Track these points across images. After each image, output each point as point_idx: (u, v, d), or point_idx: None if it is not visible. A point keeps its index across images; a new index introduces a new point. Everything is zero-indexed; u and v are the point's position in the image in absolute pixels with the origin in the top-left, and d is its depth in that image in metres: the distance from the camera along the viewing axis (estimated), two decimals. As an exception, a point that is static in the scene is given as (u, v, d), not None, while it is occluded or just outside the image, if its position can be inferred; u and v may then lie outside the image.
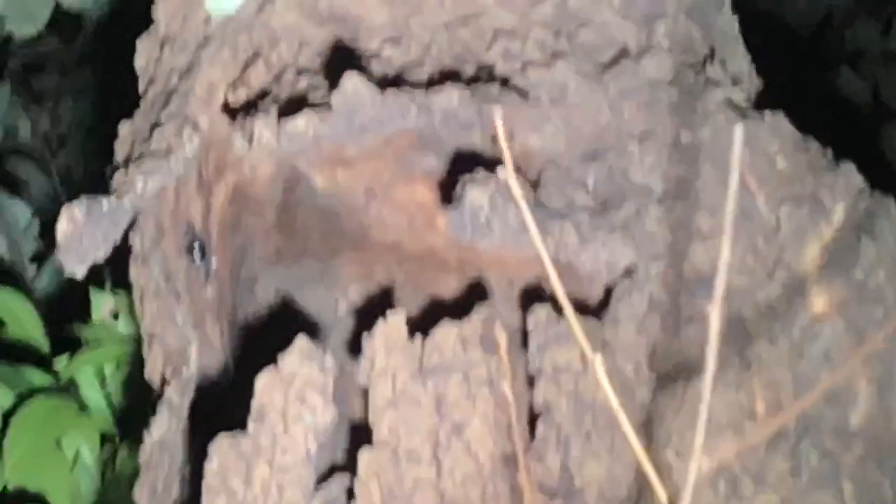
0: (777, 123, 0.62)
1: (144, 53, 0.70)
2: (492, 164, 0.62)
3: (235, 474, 0.56)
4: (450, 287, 0.65)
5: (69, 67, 2.16)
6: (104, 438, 1.12)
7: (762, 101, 0.64)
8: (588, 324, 0.56)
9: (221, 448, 0.55)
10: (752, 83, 0.68)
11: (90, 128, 1.99)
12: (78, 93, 2.14)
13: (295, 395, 0.57)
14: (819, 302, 0.58)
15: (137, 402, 0.99)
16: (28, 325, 1.16)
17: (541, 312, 0.57)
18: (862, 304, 0.59)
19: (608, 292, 0.59)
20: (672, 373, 0.58)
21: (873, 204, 0.59)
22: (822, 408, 0.57)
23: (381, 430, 0.56)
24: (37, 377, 1.11)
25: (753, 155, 0.61)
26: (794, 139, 0.62)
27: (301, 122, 0.59)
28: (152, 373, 0.66)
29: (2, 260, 1.69)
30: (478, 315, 0.57)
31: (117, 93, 0.75)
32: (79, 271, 0.61)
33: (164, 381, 0.65)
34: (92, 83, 2.10)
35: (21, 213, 1.70)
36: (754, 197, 0.60)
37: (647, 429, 0.56)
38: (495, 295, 0.62)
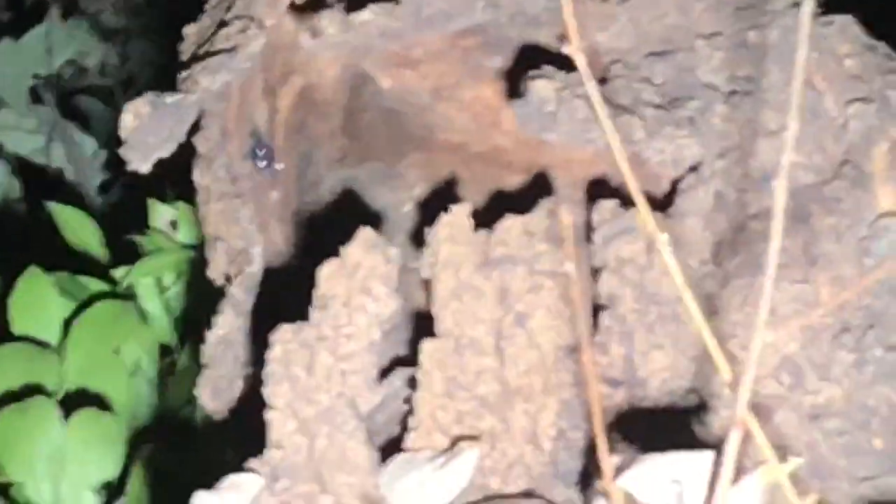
0: (845, 26, 0.63)
1: None
2: (560, 62, 0.63)
3: (298, 362, 0.57)
4: (515, 186, 0.65)
5: (139, 6, 2.29)
6: (162, 346, 1.16)
7: (830, 6, 0.64)
8: (654, 216, 0.57)
9: (284, 337, 0.57)
10: None
11: (158, 66, 2.06)
12: (147, 32, 2.24)
13: (358, 285, 0.58)
14: (886, 200, 0.59)
15: (195, 312, 1.02)
16: (88, 237, 1.21)
17: (606, 206, 0.58)
18: None
19: (674, 188, 0.60)
20: (737, 268, 0.58)
21: None
22: (889, 302, 0.57)
23: (444, 321, 0.57)
24: (96, 286, 1.14)
25: (822, 55, 0.62)
26: (863, 41, 0.63)
27: (367, 14, 0.61)
28: (215, 273, 0.68)
29: (70, 185, 1.85)
30: (542, 208, 0.58)
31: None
32: (143, 167, 0.63)
33: (227, 280, 0.67)
34: (161, 23, 2.21)
35: (89, 145, 1.85)
36: (822, 95, 0.60)
37: (712, 323, 0.57)
38: (560, 194, 0.63)
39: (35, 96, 1.99)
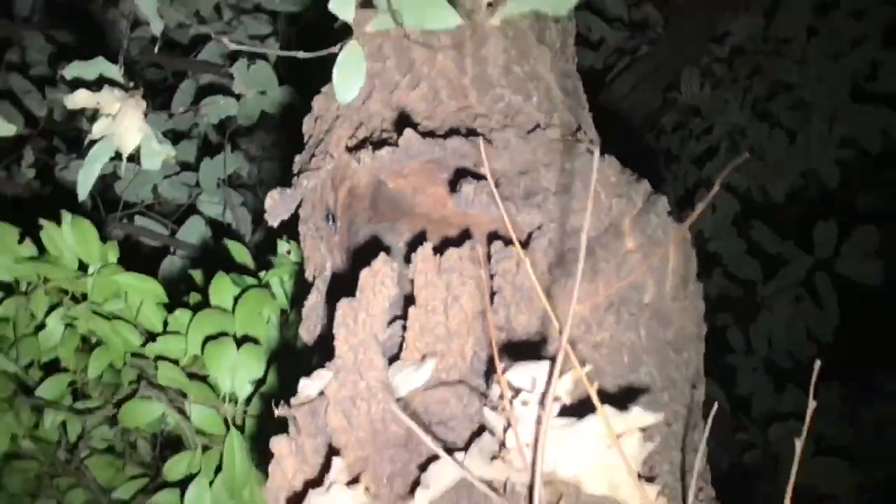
0: (611, 160, 1.12)
1: (307, 123, 1.26)
2: (476, 175, 1.11)
3: (349, 317, 1.02)
4: (454, 235, 1.12)
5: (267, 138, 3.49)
6: (283, 311, 1.84)
7: (602, 149, 1.14)
8: (520, 249, 1.04)
9: (342, 304, 1.03)
10: (597, 141, 1.19)
11: (280, 172, 3.14)
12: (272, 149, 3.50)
13: (378, 280, 1.04)
14: (629, 243, 1.07)
15: (300, 294, 1.72)
16: (245, 258, 1.96)
17: (498, 244, 1.06)
18: (650, 246, 1.07)
19: (530, 236, 1.07)
20: (562, 276, 1.05)
21: (655, 198, 1.09)
22: (631, 293, 1.05)
23: (419, 299, 1.03)
24: (250, 281, 1.85)
25: (599, 174, 1.10)
26: (619, 167, 1.12)
27: (383, 152, 1.09)
28: (308, 275, 1.17)
29: (235, 231, 3.18)
30: (468, 245, 1.05)
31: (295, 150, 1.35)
32: (275, 223, 1.13)
33: (314, 279, 1.15)
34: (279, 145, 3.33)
35: (245, 213, 3.22)
36: (599, 193, 1.08)
37: (550, 302, 1.04)
38: (476, 238, 1.10)
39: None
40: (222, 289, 1.81)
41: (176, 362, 1.77)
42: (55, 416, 1.93)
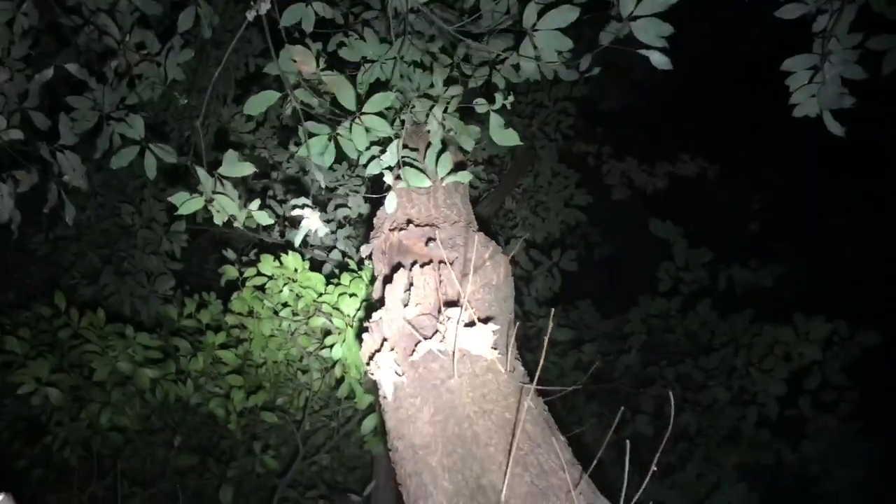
0: (480, 235, 2.83)
1: (376, 218, 3.01)
2: (433, 239, 2.84)
3: (390, 290, 2.75)
4: (426, 261, 2.82)
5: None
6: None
7: (479, 229, 2.86)
8: (448, 267, 2.76)
9: (388, 286, 2.76)
10: (475, 227, 2.93)
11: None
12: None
13: (399, 277, 2.77)
14: (489, 265, 2.79)
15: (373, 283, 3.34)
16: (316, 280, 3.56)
17: (443, 265, 2.78)
18: (494, 266, 2.80)
19: (453, 262, 2.79)
20: (467, 276, 2.78)
21: (496, 248, 2.80)
22: (489, 281, 2.78)
23: (416, 283, 2.76)
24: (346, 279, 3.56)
25: (479, 238, 2.83)
26: (484, 238, 2.82)
27: (403, 232, 2.84)
28: (377, 274, 2.93)
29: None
30: (432, 265, 2.77)
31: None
32: (366, 255, 2.90)
33: (377, 277, 2.91)
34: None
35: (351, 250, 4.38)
36: (478, 247, 2.81)
37: (464, 285, 2.78)
38: (434, 262, 2.82)
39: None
40: (348, 280, 3.70)
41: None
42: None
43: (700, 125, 7.16)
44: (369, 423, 4.04)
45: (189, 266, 5.87)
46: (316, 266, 4.92)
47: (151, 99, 3.44)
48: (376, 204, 3.11)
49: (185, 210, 2.83)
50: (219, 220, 2.91)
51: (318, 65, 3.08)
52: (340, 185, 5.84)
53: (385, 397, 2.27)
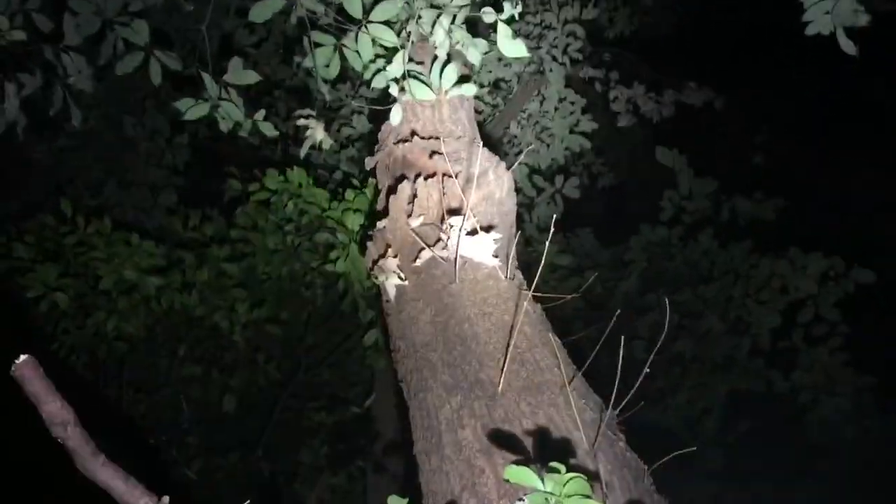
0: (482, 149, 2.85)
1: (382, 132, 3.01)
2: (438, 152, 2.87)
3: (395, 200, 2.80)
4: (431, 173, 2.86)
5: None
6: None
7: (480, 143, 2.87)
8: (453, 178, 2.80)
9: (392, 197, 2.80)
10: (479, 141, 2.94)
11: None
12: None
13: (402, 187, 2.81)
14: (491, 176, 2.82)
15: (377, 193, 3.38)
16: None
17: (447, 177, 2.81)
18: (497, 176, 2.83)
19: (457, 175, 2.82)
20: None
21: (498, 162, 2.82)
22: (491, 196, 2.82)
23: (419, 194, 2.80)
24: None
25: (482, 152, 2.86)
26: (488, 152, 2.84)
27: (407, 145, 2.86)
28: (380, 187, 2.97)
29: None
30: (436, 177, 2.81)
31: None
32: (369, 168, 2.93)
33: (381, 189, 2.95)
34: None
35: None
36: (481, 158, 2.83)
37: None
38: (439, 174, 2.85)
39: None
40: (352, 196, 3.75)
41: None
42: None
43: (708, 54, 7.07)
44: (370, 338, 4.14)
45: (192, 181, 5.89)
46: (320, 184, 4.95)
47: (155, 5, 3.40)
48: (379, 121, 3.11)
49: (190, 115, 2.85)
50: (224, 127, 2.93)
51: (325, -28, 3.05)
52: (344, 105, 5.81)
53: (388, 301, 2.33)
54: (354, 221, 3.83)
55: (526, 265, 6.54)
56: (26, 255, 3.75)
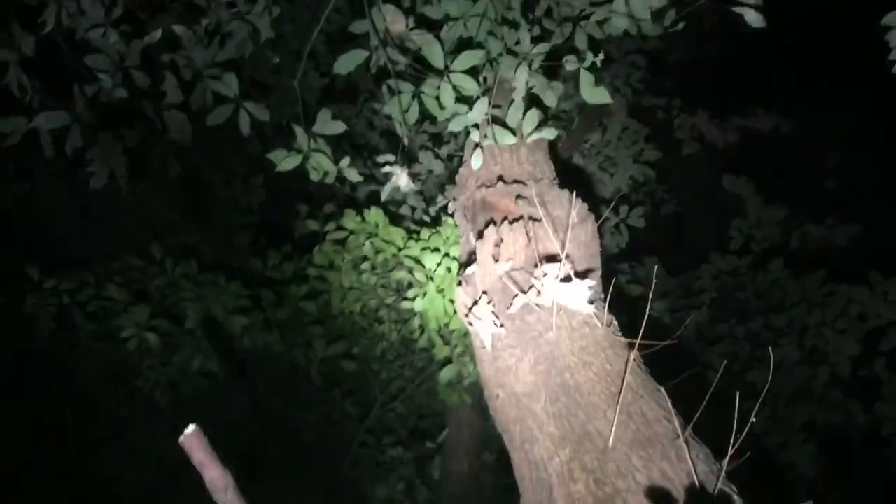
0: (564, 192, 2.90)
1: (460, 175, 3.08)
2: (522, 196, 2.92)
3: (482, 245, 2.85)
4: (515, 217, 2.91)
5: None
6: None
7: (561, 185, 2.93)
8: (545, 221, 2.84)
9: (479, 242, 2.86)
10: (556, 182, 2.98)
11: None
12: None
13: (489, 232, 2.87)
14: (588, 223, 2.85)
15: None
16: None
17: (533, 221, 2.86)
18: (582, 220, 2.87)
19: (541, 219, 2.87)
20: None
21: (584, 205, 2.86)
22: (586, 243, 2.85)
23: (505, 238, 2.85)
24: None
25: (562, 197, 2.89)
26: (569, 194, 2.89)
27: (489, 188, 2.92)
28: (460, 231, 3.04)
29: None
30: (521, 221, 2.86)
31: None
32: (452, 212, 3.00)
33: (465, 234, 3.02)
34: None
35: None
36: (570, 203, 2.87)
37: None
38: (525, 218, 2.90)
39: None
40: (427, 235, 3.82)
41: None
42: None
43: (774, 78, 7.00)
44: (446, 374, 4.19)
45: (264, 218, 6.05)
46: (395, 223, 5.05)
47: (243, 56, 3.55)
48: (453, 161, 3.18)
49: (283, 167, 2.96)
50: (315, 176, 3.03)
51: (407, 23, 3.14)
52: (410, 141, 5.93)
53: (483, 347, 2.37)
54: (432, 260, 3.89)
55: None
56: (118, 296, 3.90)
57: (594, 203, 6.56)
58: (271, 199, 6.50)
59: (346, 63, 3.10)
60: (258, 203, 5.26)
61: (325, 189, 5.53)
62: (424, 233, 4.14)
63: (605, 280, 2.71)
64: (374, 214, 4.10)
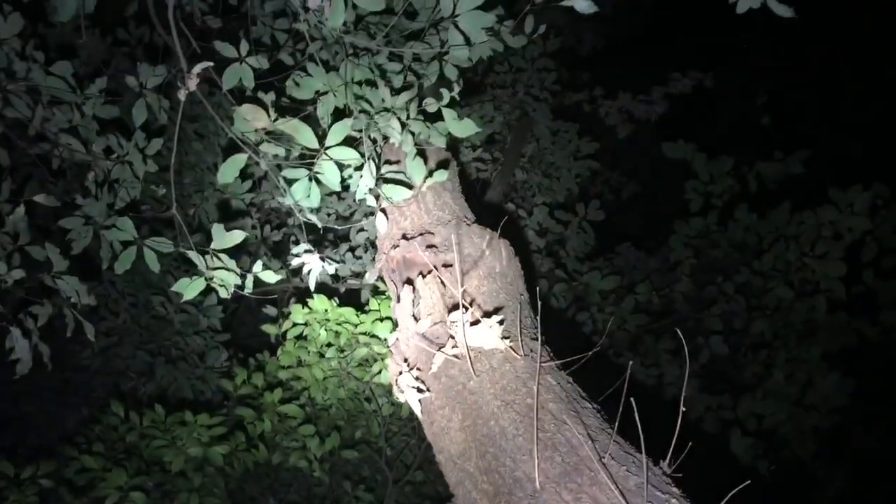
0: (475, 227, 2.83)
1: (379, 242, 3.01)
2: (431, 245, 2.85)
3: (399, 307, 2.79)
4: (428, 269, 2.84)
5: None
6: None
7: (475, 221, 2.86)
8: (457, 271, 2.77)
9: (396, 305, 2.79)
10: (472, 219, 2.92)
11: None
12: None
13: (405, 293, 2.79)
14: (487, 252, 2.78)
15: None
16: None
17: (444, 269, 2.79)
18: (493, 251, 2.80)
19: (451, 264, 2.80)
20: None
21: (494, 234, 2.79)
22: (492, 268, 2.78)
23: (422, 293, 2.78)
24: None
25: (471, 231, 2.83)
26: (479, 228, 2.82)
27: (401, 248, 2.86)
28: (390, 292, 2.96)
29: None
30: (433, 272, 2.79)
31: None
32: (372, 280, 2.91)
33: (394, 295, 2.93)
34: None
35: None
36: (472, 240, 2.81)
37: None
38: (436, 268, 2.83)
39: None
40: (377, 304, 3.74)
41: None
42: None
43: (682, 41, 7.00)
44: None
45: (236, 330, 5.99)
46: (354, 295, 4.95)
47: (135, 197, 3.53)
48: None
49: (189, 295, 2.91)
50: (224, 293, 2.98)
51: (269, 116, 3.11)
52: (355, 210, 5.86)
53: (419, 415, 2.29)
54: (385, 329, 3.82)
55: (576, 299, 6.42)
56: (96, 465, 3.83)
57: (552, 210, 6.49)
58: (238, 311, 6.43)
59: (229, 171, 3.07)
60: (218, 321, 5.20)
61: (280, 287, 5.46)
62: (373, 303, 4.08)
63: (534, 293, 2.63)
64: (318, 302, 4.04)
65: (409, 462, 5.02)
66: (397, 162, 3.35)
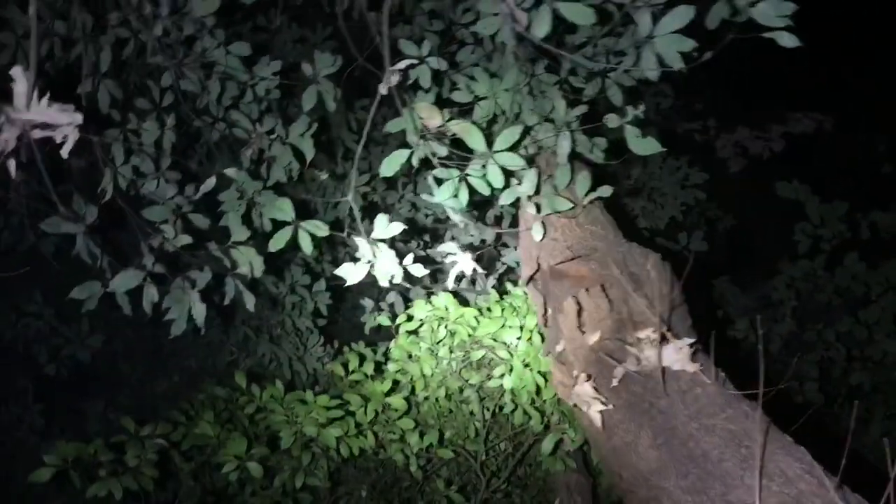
0: (633, 245, 2.86)
1: (527, 250, 3.07)
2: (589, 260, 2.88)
3: (562, 316, 2.83)
4: (587, 284, 2.89)
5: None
6: None
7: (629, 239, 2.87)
8: (625, 282, 2.80)
9: (559, 315, 2.83)
10: (621, 238, 2.93)
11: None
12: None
13: (568, 303, 2.83)
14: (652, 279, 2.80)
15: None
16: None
17: (607, 287, 2.82)
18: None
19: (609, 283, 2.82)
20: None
21: (655, 260, 2.81)
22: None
23: (586, 307, 2.81)
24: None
25: (629, 253, 2.85)
26: (639, 248, 2.85)
27: (557, 259, 2.90)
28: (536, 307, 3.00)
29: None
30: (598, 287, 2.82)
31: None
32: (524, 285, 2.96)
33: (539, 307, 2.98)
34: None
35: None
36: (632, 262, 2.83)
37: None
38: (596, 284, 2.86)
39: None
40: (500, 310, 3.79)
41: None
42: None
43: (805, 80, 6.91)
44: (548, 444, 4.12)
45: (331, 318, 6.09)
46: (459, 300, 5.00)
47: (290, 177, 3.64)
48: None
49: (352, 280, 2.98)
50: (383, 281, 3.05)
51: (442, 116, 3.18)
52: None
53: (593, 426, 2.32)
54: (511, 335, 3.85)
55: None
56: (212, 432, 3.94)
57: (652, 236, 6.48)
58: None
59: (391, 164, 3.14)
60: (326, 306, 5.32)
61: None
62: (496, 308, 4.12)
63: (699, 327, 2.64)
64: (443, 299, 4.10)
65: (498, 470, 5.05)
66: (550, 176, 3.38)
